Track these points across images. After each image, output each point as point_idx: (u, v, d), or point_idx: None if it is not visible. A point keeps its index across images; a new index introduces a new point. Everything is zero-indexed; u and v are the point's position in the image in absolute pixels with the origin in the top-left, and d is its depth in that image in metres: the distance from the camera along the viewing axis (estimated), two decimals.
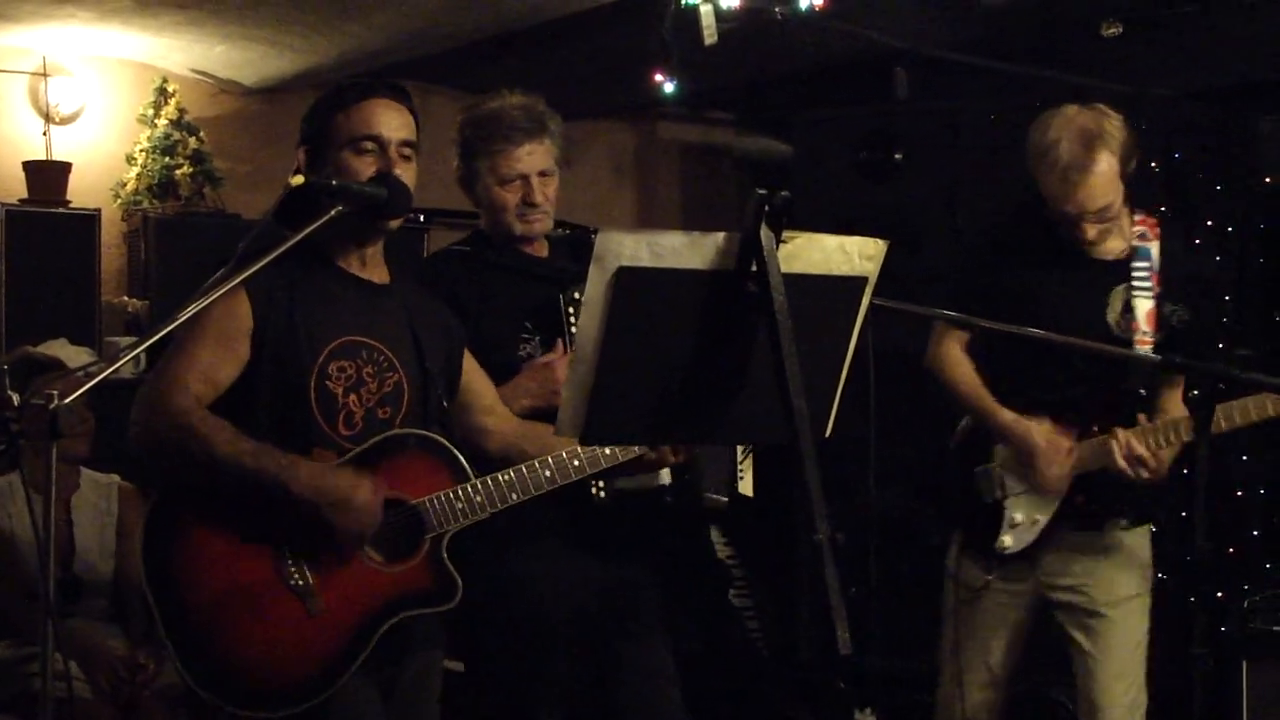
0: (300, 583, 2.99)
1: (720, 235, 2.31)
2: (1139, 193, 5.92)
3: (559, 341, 3.65)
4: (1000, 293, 3.97)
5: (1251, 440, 6.14)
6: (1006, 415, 3.99)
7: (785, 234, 2.32)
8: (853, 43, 6.27)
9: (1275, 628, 4.92)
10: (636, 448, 3.39)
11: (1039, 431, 3.96)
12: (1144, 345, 3.92)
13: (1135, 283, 3.94)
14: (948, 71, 6.63)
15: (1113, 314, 3.97)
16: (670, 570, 3.91)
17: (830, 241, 2.44)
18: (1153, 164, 5.97)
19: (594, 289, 2.27)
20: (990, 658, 4.13)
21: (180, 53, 6.57)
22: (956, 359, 4.12)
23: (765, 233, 2.28)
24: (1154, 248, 3.96)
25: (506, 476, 3.20)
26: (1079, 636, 4.07)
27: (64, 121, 6.58)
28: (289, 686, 2.98)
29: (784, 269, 2.29)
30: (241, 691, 2.97)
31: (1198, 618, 5.01)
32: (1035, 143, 3.93)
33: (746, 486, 3.81)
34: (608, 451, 3.35)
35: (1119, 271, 3.97)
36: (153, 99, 6.62)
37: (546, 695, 3.66)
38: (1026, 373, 4.01)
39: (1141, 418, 3.92)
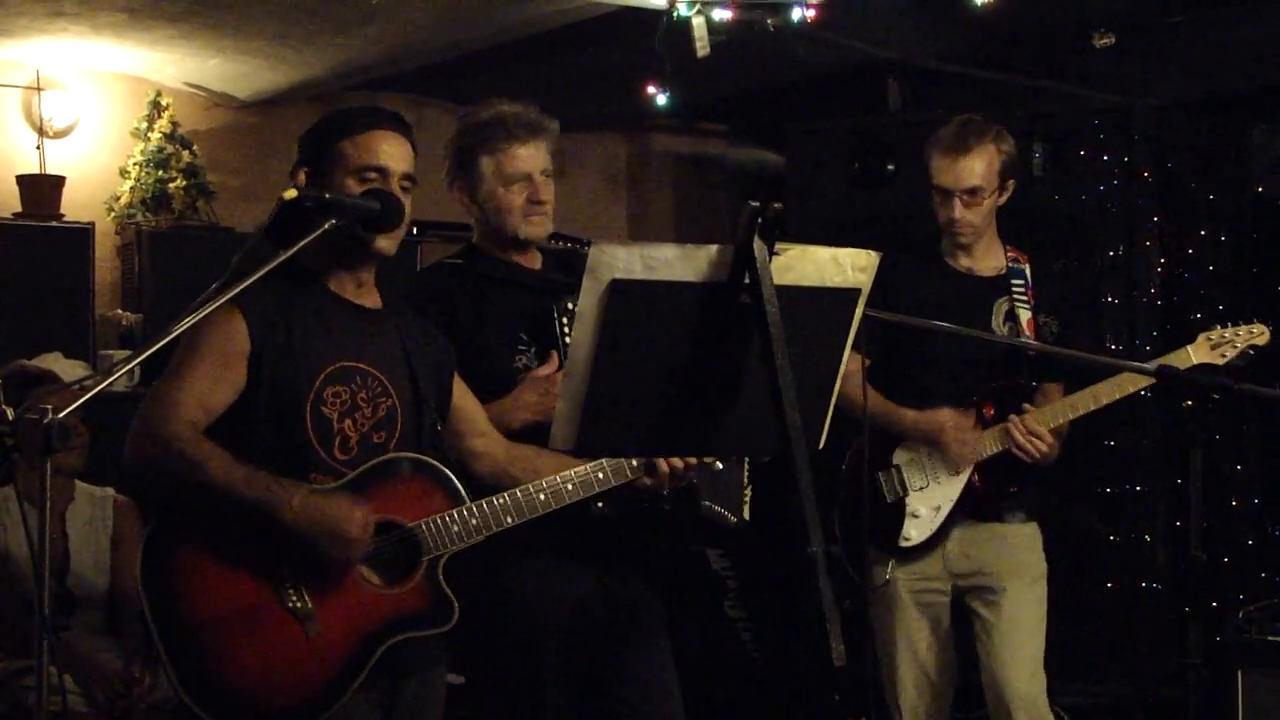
0: (298, 605, 2.98)
1: (713, 247, 2.31)
2: (1134, 200, 5.98)
3: (553, 353, 3.66)
4: (898, 310, 4.18)
5: (1245, 449, 6.16)
6: (911, 414, 4.37)
7: (778, 246, 2.32)
8: (845, 54, 6.28)
9: (1270, 637, 4.92)
10: (629, 471, 3.40)
11: (944, 414, 4.33)
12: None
13: (1015, 296, 4.40)
14: (940, 82, 6.65)
15: (997, 322, 4.40)
16: (665, 580, 3.91)
17: (823, 253, 2.44)
18: (1145, 174, 5.99)
19: (587, 301, 2.27)
20: (919, 657, 4.39)
21: (174, 66, 6.57)
22: (856, 381, 4.30)
23: (758, 244, 2.28)
24: (1026, 268, 4.45)
25: (502, 500, 3.22)
26: (984, 612, 4.37)
27: (58, 135, 6.59)
28: (287, 708, 2.98)
29: (777, 281, 2.29)
30: (240, 713, 2.96)
31: (1192, 627, 5.02)
32: (933, 137, 4.44)
33: (745, 511, 3.81)
34: (600, 475, 3.36)
35: (998, 286, 4.42)
36: (146, 112, 6.62)
37: (547, 707, 3.64)
38: (923, 383, 4.39)
39: (1028, 406, 4.32)
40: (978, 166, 4.31)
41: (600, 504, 3.57)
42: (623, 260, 2.27)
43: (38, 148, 6.47)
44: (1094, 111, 6.07)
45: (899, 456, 4.42)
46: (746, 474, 3.78)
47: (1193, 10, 6.10)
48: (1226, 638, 5.05)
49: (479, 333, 3.62)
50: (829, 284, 2.45)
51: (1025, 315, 4.37)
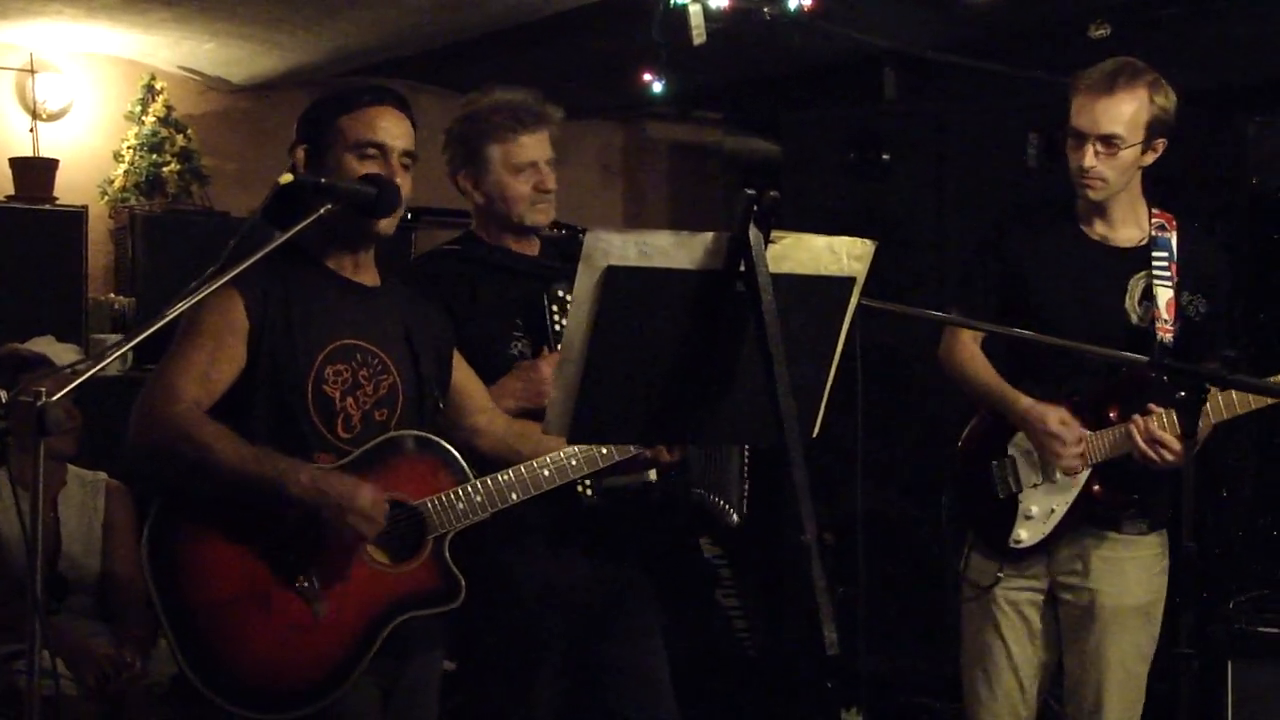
0: (306, 585, 2.99)
1: (709, 235, 2.31)
2: None
3: (544, 347, 3.66)
4: (1017, 281, 3.96)
5: (1236, 440, 6.16)
6: (1025, 401, 3.91)
7: (774, 234, 2.32)
8: (841, 43, 6.28)
9: (1261, 628, 4.92)
10: (631, 447, 3.39)
11: (1054, 415, 3.86)
12: (1165, 333, 3.88)
13: (1156, 272, 3.90)
14: (935, 72, 6.65)
15: (1131, 301, 3.93)
16: (656, 569, 3.91)
17: (818, 241, 2.44)
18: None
19: (582, 288, 2.27)
20: (1013, 658, 4.01)
21: (168, 50, 6.56)
22: (971, 351, 4.06)
23: (754, 232, 2.28)
24: (1172, 239, 3.94)
25: (506, 476, 3.22)
26: (1083, 636, 3.97)
27: (51, 118, 6.57)
28: (297, 689, 2.99)
29: (772, 269, 2.29)
30: (249, 693, 2.97)
31: (1183, 617, 5.01)
32: (1080, 74, 3.91)
33: (743, 505, 3.80)
34: (604, 450, 3.35)
35: (1136, 260, 3.93)
36: (140, 96, 6.62)
37: (539, 696, 3.65)
38: (1042, 362, 3.97)
39: (1154, 406, 3.82)
40: (1122, 111, 3.80)
41: (590, 493, 3.58)
42: (618, 247, 2.26)
43: (31, 130, 6.46)
44: None
45: (1015, 445, 3.98)
46: (745, 468, 3.78)
47: (1189, 2, 6.09)
48: (1217, 628, 5.05)
49: (474, 319, 3.63)
50: (824, 272, 2.45)
51: (1165, 295, 3.87)
